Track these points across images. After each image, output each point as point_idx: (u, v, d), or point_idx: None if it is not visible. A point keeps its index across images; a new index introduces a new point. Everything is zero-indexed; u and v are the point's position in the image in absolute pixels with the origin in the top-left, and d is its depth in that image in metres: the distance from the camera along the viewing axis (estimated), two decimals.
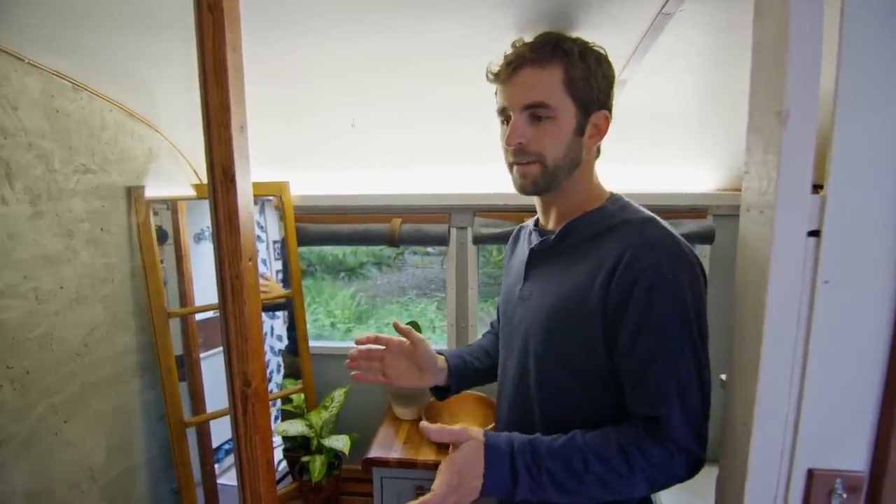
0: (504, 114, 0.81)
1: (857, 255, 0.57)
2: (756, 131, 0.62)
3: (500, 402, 0.94)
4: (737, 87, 1.18)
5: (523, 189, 0.82)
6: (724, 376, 0.74)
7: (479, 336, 1.93)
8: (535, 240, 0.88)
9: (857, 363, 0.59)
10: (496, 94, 0.84)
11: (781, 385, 0.60)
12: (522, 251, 0.92)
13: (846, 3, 0.53)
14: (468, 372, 1.00)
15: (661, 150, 1.59)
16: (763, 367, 0.60)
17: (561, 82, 0.76)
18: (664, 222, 0.78)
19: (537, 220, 0.93)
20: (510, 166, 0.82)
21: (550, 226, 0.87)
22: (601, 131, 0.80)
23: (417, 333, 0.94)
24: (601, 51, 0.80)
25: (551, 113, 0.76)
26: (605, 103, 0.80)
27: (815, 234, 0.57)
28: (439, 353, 0.99)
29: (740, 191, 0.67)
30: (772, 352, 0.59)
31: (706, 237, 1.71)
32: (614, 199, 0.83)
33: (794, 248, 0.57)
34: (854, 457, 0.61)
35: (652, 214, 0.79)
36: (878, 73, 0.54)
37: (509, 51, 0.80)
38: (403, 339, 0.94)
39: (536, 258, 0.86)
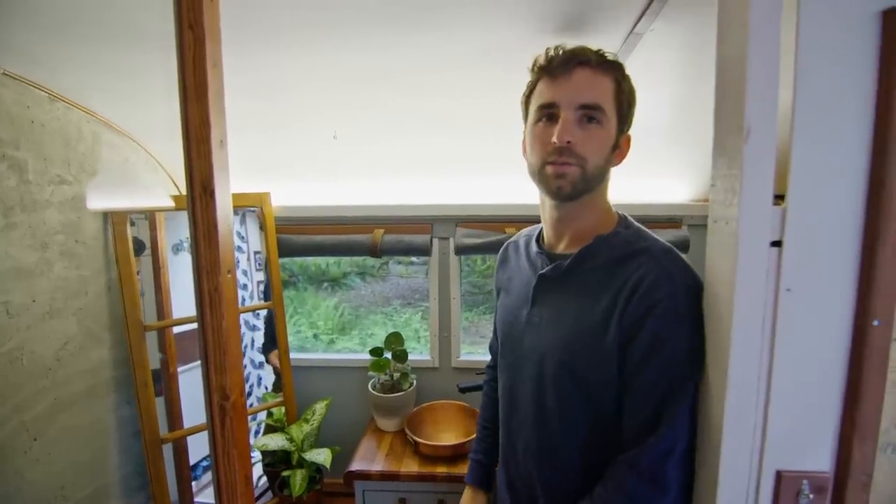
0: (548, 109, 0.76)
1: (817, 264, 0.60)
2: (720, 147, 0.65)
3: (510, 426, 0.92)
4: (709, 103, 1.23)
5: (560, 190, 0.76)
6: None
7: (462, 345, 1.94)
8: (541, 262, 0.86)
9: (819, 368, 0.62)
10: (530, 90, 0.81)
11: (749, 390, 0.62)
12: (523, 271, 0.90)
13: (801, 26, 0.57)
14: (492, 464, 1.09)
15: (637, 161, 1.63)
16: (731, 373, 0.62)
17: (612, 93, 0.75)
18: (679, 253, 0.78)
19: (537, 238, 0.90)
20: (542, 166, 0.77)
21: (562, 247, 0.85)
22: (624, 153, 0.81)
23: None
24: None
25: (603, 118, 0.75)
26: (630, 126, 0.81)
27: (777, 244, 0.60)
28: (469, 481, 1.08)
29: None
30: (739, 358, 0.62)
31: (681, 247, 1.75)
32: (625, 222, 0.83)
33: (757, 258, 0.60)
34: (819, 458, 0.63)
35: (669, 244, 0.79)
36: (833, 90, 0.58)
37: (568, 47, 0.76)
38: None
39: (547, 283, 0.84)
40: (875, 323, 0.59)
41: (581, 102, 0.73)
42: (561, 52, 0.75)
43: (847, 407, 0.62)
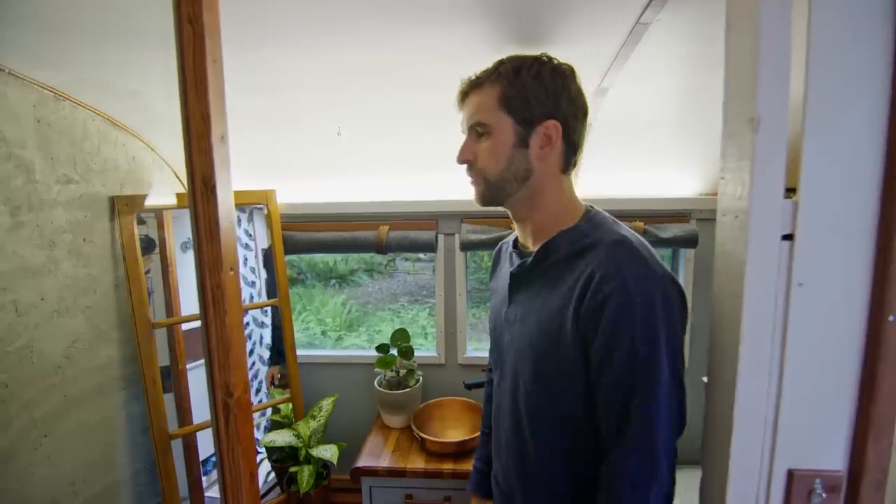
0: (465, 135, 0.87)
1: (830, 258, 0.59)
2: (730, 138, 0.64)
3: (496, 419, 0.95)
4: (717, 94, 1.20)
5: (478, 202, 0.87)
6: (705, 378, 0.75)
7: (468, 342, 1.94)
8: (516, 261, 0.89)
9: (832, 364, 0.60)
10: None
11: (760, 386, 0.61)
12: (504, 271, 0.93)
13: (813, 13, 0.55)
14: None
15: (644, 155, 1.62)
16: (741, 369, 0.61)
17: (496, 101, 0.80)
18: (638, 241, 0.77)
19: (516, 238, 0.93)
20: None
21: (529, 245, 0.88)
22: (552, 140, 0.80)
23: None
24: (548, 64, 0.81)
25: (488, 130, 0.81)
26: (552, 113, 0.80)
27: (788, 237, 0.59)
28: (471, 490, 1.11)
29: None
30: (749, 354, 0.60)
31: (690, 241, 1.73)
32: (589, 215, 0.83)
33: (768, 252, 0.58)
34: (833, 456, 0.62)
35: (625, 234, 0.78)
36: (846, 79, 0.56)
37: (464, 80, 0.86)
38: None
39: (517, 280, 0.87)
40: (890, 318, 0.57)
41: (468, 125, 0.84)
42: (459, 88, 0.86)
43: (861, 404, 0.61)
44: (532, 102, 0.79)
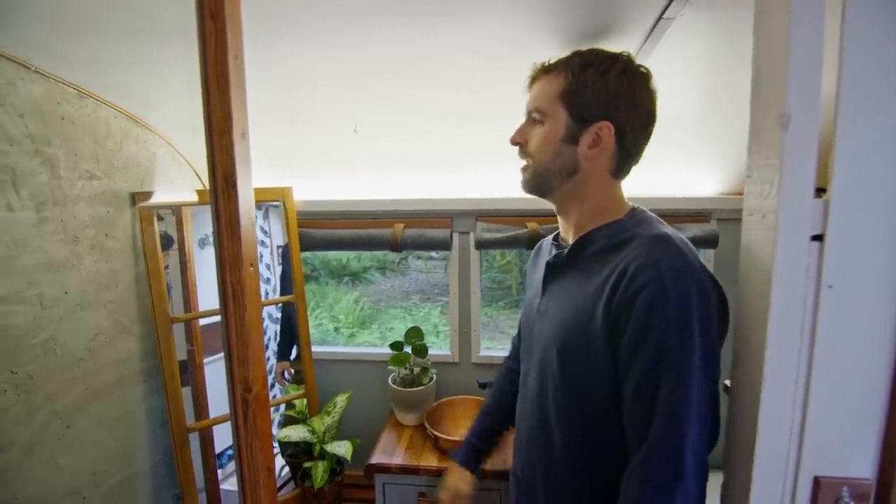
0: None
1: (861, 259, 0.57)
2: (757, 135, 0.62)
3: (521, 412, 0.94)
4: (739, 91, 1.18)
5: (522, 186, 0.87)
6: (727, 382, 0.73)
7: (481, 340, 1.93)
8: (554, 253, 0.89)
9: (862, 369, 0.59)
10: None
11: (786, 391, 0.59)
12: (541, 265, 0.93)
13: (847, 7, 0.53)
14: (483, 451, 1.15)
15: (664, 154, 1.59)
16: (767, 374, 0.59)
17: (557, 92, 0.80)
18: (680, 239, 0.74)
19: (557, 233, 0.94)
20: None
21: (570, 238, 0.87)
22: (602, 142, 0.78)
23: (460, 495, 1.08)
24: (620, 62, 0.78)
25: (543, 118, 0.82)
26: (608, 115, 0.78)
27: (818, 238, 0.57)
28: (458, 460, 1.13)
29: (743, 195, 0.66)
30: (776, 358, 0.59)
31: (710, 241, 1.70)
32: (634, 213, 0.82)
33: (797, 253, 0.57)
34: (861, 464, 0.60)
35: (668, 231, 0.76)
36: (881, 75, 0.54)
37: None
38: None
39: (553, 271, 0.87)
40: None
41: (528, 109, 0.85)
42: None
43: (891, 410, 0.59)
44: (590, 100, 0.78)
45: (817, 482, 0.60)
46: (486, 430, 1.15)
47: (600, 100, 0.78)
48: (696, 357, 0.66)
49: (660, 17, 0.90)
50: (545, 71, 0.83)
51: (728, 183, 1.73)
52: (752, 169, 0.63)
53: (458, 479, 1.10)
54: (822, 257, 0.57)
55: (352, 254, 4.94)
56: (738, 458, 0.66)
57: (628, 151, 0.81)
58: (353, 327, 4.65)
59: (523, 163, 0.87)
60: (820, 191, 0.58)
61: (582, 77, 0.78)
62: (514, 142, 0.86)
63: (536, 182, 0.85)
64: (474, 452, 1.12)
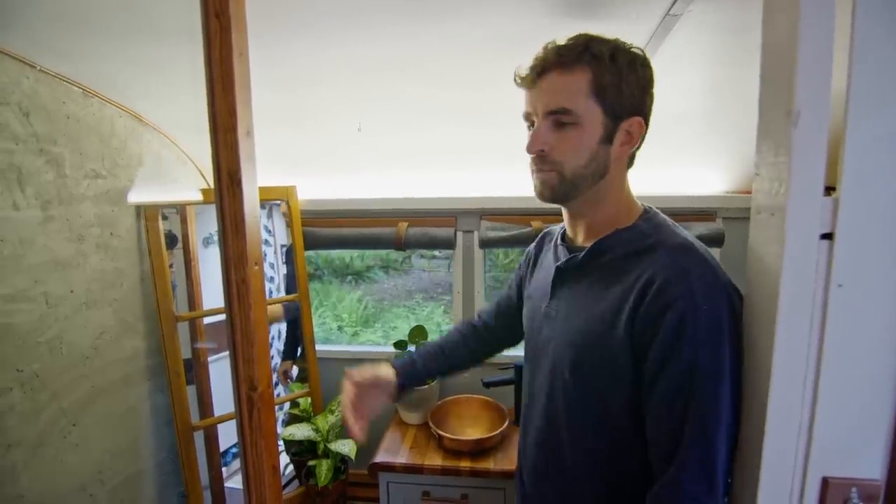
0: (529, 119, 0.78)
1: (871, 258, 0.56)
2: (766, 133, 0.62)
3: (527, 415, 0.92)
4: (746, 88, 1.17)
5: (541, 196, 0.78)
6: None
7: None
8: (563, 255, 0.84)
9: (872, 368, 0.58)
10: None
11: (794, 391, 0.59)
12: (548, 264, 0.89)
13: (858, 2, 0.52)
14: (418, 374, 1.04)
15: (668, 151, 1.58)
16: (775, 373, 0.59)
17: (588, 87, 0.71)
18: (702, 247, 0.72)
19: (564, 231, 0.88)
20: (532, 173, 0.79)
21: (579, 240, 0.83)
22: (634, 139, 0.75)
23: (364, 377, 0.97)
24: (638, 52, 0.74)
25: (575, 119, 0.71)
26: (639, 109, 0.74)
27: (827, 236, 0.56)
28: (392, 363, 1.02)
29: (750, 193, 0.66)
30: (784, 357, 0.58)
31: (716, 240, 1.69)
32: (648, 216, 0.78)
33: (806, 252, 0.56)
34: (870, 465, 0.60)
35: (690, 240, 0.73)
36: (892, 71, 0.53)
37: (540, 53, 0.74)
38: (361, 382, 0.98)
39: (564, 275, 0.82)
40: None
41: (548, 109, 0.73)
42: (532, 62, 0.74)
43: None
44: (625, 94, 0.71)
45: (825, 483, 0.60)
46: (429, 352, 1.06)
47: (634, 92, 0.72)
48: (726, 383, 0.65)
49: (667, 14, 0.89)
50: (560, 63, 0.71)
51: (733, 181, 1.72)
52: (761, 167, 0.63)
53: (382, 369, 1.00)
54: (832, 256, 0.56)
55: (355, 252, 4.95)
56: (745, 457, 0.66)
57: (640, 146, 0.78)
58: (356, 326, 4.66)
59: (535, 167, 0.77)
60: (829, 189, 0.57)
61: (614, 68, 0.70)
62: (536, 151, 0.74)
63: (564, 189, 0.75)
64: (411, 365, 1.03)
